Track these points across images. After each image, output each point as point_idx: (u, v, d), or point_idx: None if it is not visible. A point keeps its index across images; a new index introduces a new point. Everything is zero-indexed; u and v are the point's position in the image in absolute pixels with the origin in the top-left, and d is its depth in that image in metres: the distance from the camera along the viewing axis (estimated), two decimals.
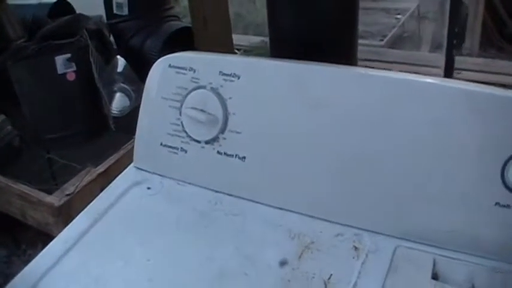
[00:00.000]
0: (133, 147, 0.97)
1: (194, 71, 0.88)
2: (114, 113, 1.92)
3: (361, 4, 0.96)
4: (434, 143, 0.76)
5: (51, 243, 0.83)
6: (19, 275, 0.78)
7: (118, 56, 1.98)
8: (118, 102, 1.96)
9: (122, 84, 1.92)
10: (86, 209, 0.88)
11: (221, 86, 0.86)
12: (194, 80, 0.88)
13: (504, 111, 0.73)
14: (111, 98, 1.94)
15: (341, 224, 0.81)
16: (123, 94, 1.97)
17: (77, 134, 1.84)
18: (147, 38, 2.05)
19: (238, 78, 0.85)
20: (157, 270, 0.76)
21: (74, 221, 0.86)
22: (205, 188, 0.89)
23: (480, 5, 3.11)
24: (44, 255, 0.80)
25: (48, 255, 0.80)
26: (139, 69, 1.98)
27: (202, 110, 0.86)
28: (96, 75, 1.78)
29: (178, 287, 0.74)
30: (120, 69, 1.95)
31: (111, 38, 2.09)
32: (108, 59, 1.96)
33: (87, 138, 1.84)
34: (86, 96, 1.86)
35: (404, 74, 0.80)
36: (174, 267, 0.77)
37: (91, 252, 0.81)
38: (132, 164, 0.96)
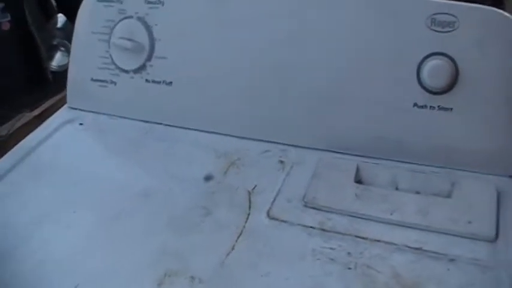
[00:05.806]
0: None
1: (121, 2, 0.88)
2: (54, 68, 1.91)
3: None
4: (349, 50, 0.77)
5: None
6: None
7: (60, 14, 1.97)
8: (58, 58, 1.95)
9: (63, 40, 1.91)
10: (16, 146, 0.87)
11: (147, 14, 0.86)
12: (121, 11, 0.88)
13: (416, 13, 0.74)
14: (51, 52, 1.93)
15: (268, 142, 0.81)
16: (63, 50, 1.96)
17: (12, 85, 1.78)
18: None
19: (163, 4, 0.86)
20: (82, 193, 0.76)
21: (4, 156, 0.85)
22: (136, 119, 0.89)
23: None
24: None
25: None
26: None
27: (129, 39, 0.87)
28: (32, 26, 1.77)
29: (100, 205, 0.74)
30: (60, 25, 1.94)
31: None
32: (49, 16, 1.94)
33: (23, 90, 1.79)
34: (22, 47, 1.84)
35: None
36: (98, 190, 0.76)
37: (20, 181, 0.80)
38: (66, 105, 0.95)
